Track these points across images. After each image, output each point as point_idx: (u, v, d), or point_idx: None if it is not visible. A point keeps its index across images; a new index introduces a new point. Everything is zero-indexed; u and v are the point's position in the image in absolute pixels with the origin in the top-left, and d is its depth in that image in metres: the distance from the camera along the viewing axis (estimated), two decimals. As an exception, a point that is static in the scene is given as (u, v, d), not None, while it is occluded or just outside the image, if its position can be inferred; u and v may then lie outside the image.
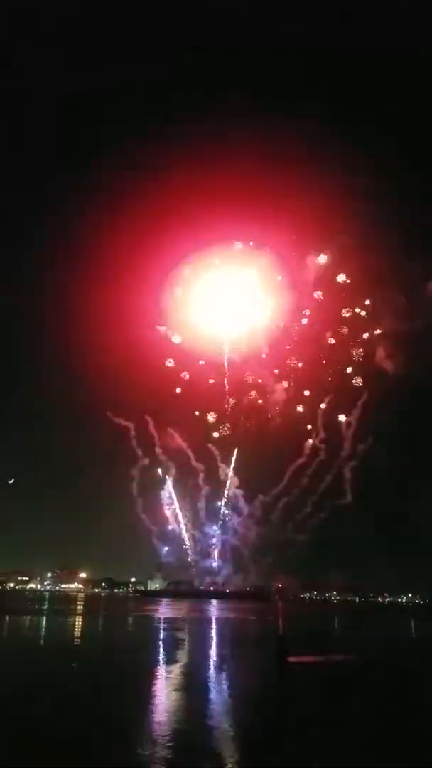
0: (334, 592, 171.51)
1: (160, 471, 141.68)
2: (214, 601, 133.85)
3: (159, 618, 68.32)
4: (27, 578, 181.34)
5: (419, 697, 22.37)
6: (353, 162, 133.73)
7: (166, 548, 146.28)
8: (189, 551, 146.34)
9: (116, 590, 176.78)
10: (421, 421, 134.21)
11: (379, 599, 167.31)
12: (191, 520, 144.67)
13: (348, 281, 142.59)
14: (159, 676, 24.86)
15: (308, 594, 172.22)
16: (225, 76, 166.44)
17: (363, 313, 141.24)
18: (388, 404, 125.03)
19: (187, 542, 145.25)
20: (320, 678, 26.30)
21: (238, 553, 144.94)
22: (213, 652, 35.67)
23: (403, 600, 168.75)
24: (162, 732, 14.74)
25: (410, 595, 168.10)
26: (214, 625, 61.04)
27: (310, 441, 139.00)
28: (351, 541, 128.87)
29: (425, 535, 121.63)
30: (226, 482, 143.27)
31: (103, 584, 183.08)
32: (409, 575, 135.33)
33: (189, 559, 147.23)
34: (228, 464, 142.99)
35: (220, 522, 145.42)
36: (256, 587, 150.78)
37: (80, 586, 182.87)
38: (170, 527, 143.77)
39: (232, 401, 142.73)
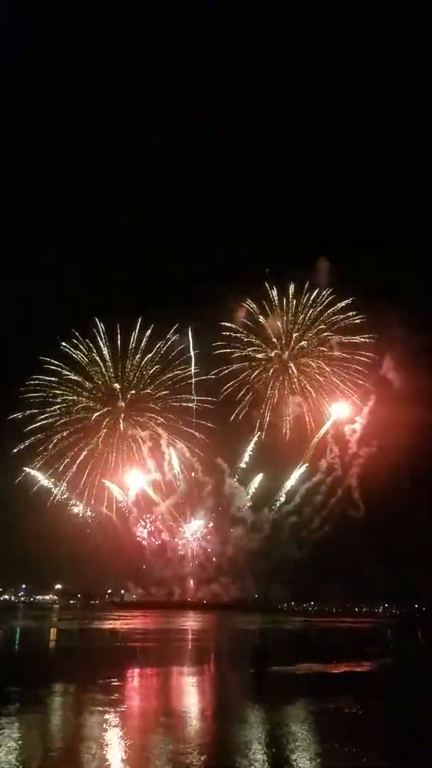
0: (312, 602, 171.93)
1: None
2: (191, 613, 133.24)
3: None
4: (0, 589, 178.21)
5: None
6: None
7: (149, 557, 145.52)
8: (178, 562, 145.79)
9: (92, 601, 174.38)
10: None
11: (356, 609, 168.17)
12: (190, 531, 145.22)
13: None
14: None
15: (285, 604, 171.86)
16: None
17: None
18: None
19: (176, 552, 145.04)
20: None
21: (231, 564, 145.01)
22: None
23: (380, 609, 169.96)
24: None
25: (387, 604, 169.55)
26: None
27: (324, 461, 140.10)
28: (348, 552, 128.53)
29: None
30: (231, 496, 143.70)
31: (79, 596, 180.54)
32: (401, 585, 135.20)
33: (172, 570, 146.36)
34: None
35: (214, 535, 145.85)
36: (237, 598, 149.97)
37: (55, 597, 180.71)
38: (162, 537, 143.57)
39: None
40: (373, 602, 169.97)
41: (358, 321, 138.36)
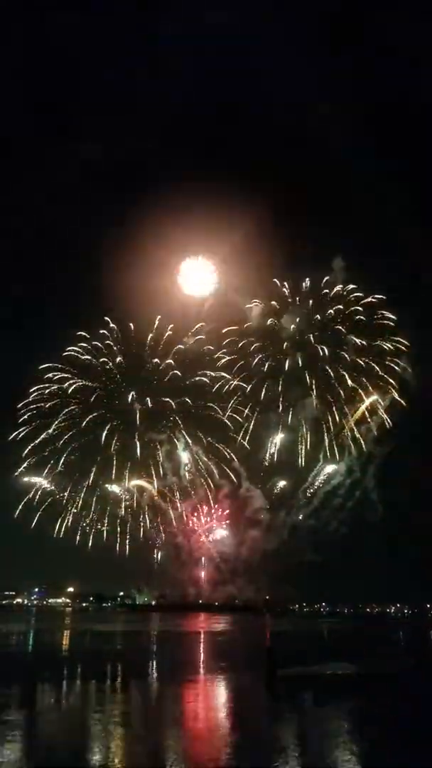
0: (324, 603, 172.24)
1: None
2: (203, 615, 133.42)
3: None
4: (14, 593, 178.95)
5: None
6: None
7: (161, 559, 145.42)
8: (188, 563, 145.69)
9: (104, 604, 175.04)
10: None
11: (368, 609, 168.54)
12: (205, 534, 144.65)
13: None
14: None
15: (296, 606, 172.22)
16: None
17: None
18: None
19: (191, 555, 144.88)
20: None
21: (246, 567, 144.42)
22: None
23: (392, 610, 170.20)
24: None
25: (399, 605, 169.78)
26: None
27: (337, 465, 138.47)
28: (362, 553, 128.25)
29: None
30: (248, 499, 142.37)
31: (91, 598, 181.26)
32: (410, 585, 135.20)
33: (185, 572, 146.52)
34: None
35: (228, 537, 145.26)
36: (247, 600, 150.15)
37: (68, 600, 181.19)
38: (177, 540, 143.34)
39: None
40: (384, 603, 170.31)
41: (380, 321, 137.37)
